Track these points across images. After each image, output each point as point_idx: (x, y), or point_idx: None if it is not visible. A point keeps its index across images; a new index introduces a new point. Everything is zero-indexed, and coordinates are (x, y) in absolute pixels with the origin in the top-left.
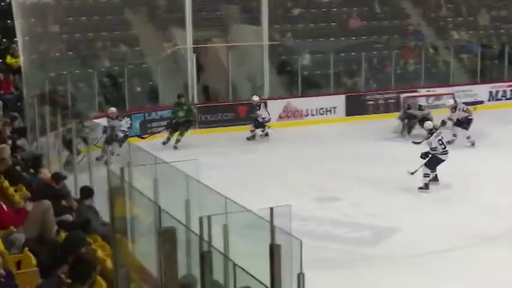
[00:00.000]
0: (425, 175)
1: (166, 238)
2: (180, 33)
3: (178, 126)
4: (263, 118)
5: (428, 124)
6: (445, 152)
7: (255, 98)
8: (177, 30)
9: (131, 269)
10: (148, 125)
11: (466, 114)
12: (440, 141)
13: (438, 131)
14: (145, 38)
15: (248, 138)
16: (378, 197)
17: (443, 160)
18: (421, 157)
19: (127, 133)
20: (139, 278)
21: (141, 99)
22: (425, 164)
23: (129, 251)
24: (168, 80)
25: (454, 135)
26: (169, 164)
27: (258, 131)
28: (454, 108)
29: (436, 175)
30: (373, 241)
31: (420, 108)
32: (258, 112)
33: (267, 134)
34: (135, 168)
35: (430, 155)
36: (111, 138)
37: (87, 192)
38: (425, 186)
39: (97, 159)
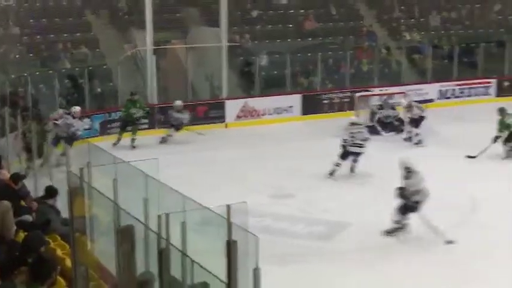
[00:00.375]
0: (336, 164)
1: (125, 236)
2: (140, 35)
3: (128, 125)
4: (187, 120)
5: (351, 119)
6: (356, 145)
7: (180, 103)
8: (137, 32)
9: (90, 267)
10: (109, 125)
11: (420, 112)
12: (351, 134)
13: (356, 125)
14: (106, 39)
15: (161, 142)
16: (332, 193)
17: (353, 152)
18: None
19: (80, 134)
20: (98, 276)
21: (102, 100)
22: (339, 154)
23: (88, 250)
24: (129, 80)
25: (409, 131)
26: (129, 164)
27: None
28: (410, 106)
29: (352, 167)
30: (327, 236)
31: (393, 107)
32: (185, 115)
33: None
34: (94, 168)
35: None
36: (62, 136)
37: (51, 192)
38: (332, 174)
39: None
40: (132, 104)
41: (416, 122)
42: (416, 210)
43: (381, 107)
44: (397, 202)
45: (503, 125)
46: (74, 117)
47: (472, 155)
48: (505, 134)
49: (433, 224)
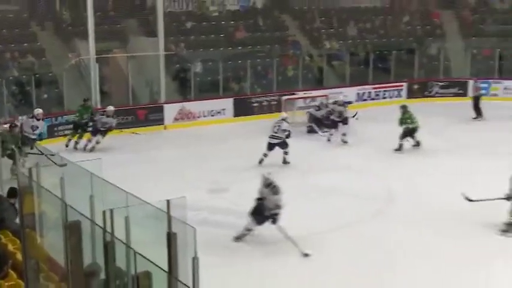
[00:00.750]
0: (263, 154)
1: (72, 231)
2: (84, 45)
3: (79, 128)
4: (115, 124)
5: (282, 115)
6: (272, 137)
7: (112, 108)
8: (80, 42)
9: (40, 260)
10: (55, 129)
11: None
12: (272, 127)
13: (280, 120)
14: (51, 49)
15: (91, 150)
16: None
17: (271, 143)
18: None
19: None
20: (48, 268)
21: (48, 105)
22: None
23: (38, 244)
24: (73, 87)
25: (326, 132)
26: (75, 164)
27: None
28: (344, 105)
29: (283, 158)
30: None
31: (327, 107)
32: (114, 120)
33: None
34: (42, 168)
35: None
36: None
37: (12, 192)
38: (260, 162)
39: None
40: (85, 110)
41: (345, 121)
42: (275, 221)
43: (318, 108)
44: (254, 212)
45: (411, 119)
46: (37, 119)
47: (397, 148)
48: (409, 127)
49: (290, 235)
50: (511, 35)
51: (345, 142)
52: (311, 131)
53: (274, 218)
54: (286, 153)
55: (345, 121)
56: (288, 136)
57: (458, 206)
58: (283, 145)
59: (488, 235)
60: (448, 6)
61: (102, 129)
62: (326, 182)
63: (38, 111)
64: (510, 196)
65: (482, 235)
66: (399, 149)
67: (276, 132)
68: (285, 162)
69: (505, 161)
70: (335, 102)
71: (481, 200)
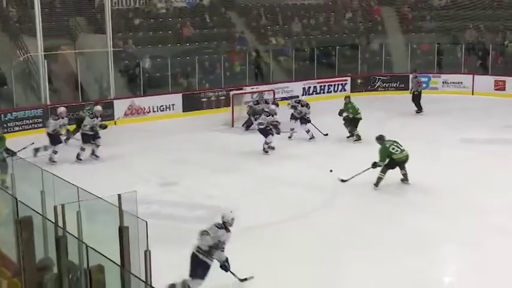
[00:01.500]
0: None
1: (24, 226)
2: (32, 42)
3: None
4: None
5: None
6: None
7: (100, 108)
8: (28, 38)
9: None
10: (5, 125)
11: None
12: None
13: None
14: None
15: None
16: (213, 180)
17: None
18: None
19: None
20: (0, 264)
21: None
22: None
23: None
24: (23, 84)
25: (292, 129)
26: (25, 160)
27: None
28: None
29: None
30: (210, 219)
31: (267, 102)
32: (98, 119)
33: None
34: None
35: None
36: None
37: None
38: (267, 151)
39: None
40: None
41: (306, 120)
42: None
43: (256, 103)
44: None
45: (354, 110)
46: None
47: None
48: (354, 117)
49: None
50: (449, 31)
51: (312, 138)
52: (249, 125)
53: (227, 264)
54: (266, 143)
55: (305, 120)
56: (263, 128)
57: (396, 194)
58: (264, 134)
59: (437, 221)
60: (389, 4)
61: (90, 133)
62: (274, 174)
63: (62, 109)
64: (376, 164)
65: (426, 221)
66: (352, 135)
67: (257, 120)
68: (270, 148)
69: (444, 151)
70: (298, 102)
71: (352, 177)
